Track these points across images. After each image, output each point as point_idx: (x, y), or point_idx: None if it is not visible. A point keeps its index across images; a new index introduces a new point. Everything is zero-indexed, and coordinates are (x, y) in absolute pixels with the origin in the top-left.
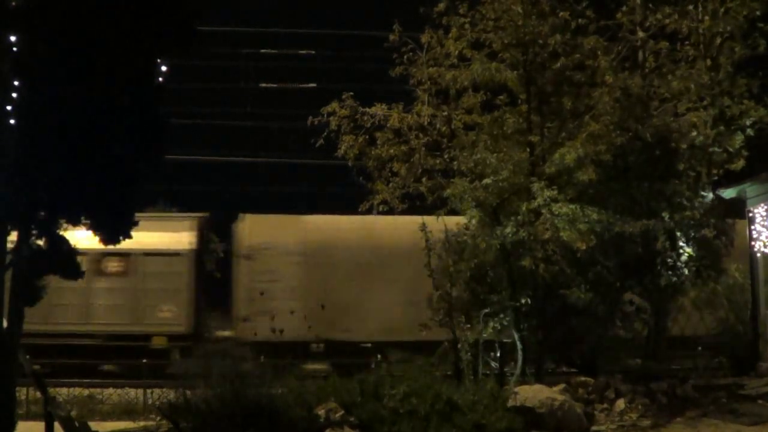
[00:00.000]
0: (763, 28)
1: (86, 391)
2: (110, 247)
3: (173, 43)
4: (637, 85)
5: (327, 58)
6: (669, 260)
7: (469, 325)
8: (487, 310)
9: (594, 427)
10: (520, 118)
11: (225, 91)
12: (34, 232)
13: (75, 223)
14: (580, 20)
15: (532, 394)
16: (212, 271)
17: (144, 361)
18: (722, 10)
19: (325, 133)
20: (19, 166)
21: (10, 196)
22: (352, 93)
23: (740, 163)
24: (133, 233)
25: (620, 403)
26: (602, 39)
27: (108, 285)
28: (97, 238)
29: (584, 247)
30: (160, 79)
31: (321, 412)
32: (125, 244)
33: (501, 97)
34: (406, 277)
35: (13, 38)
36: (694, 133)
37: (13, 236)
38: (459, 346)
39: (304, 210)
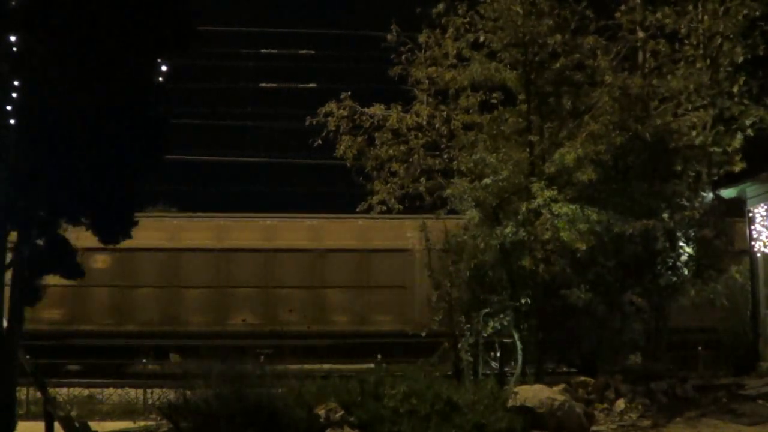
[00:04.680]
0: (762, 28)
1: (86, 391)
2: None
3: (173, 43)
4: (637, 84)
5: (327, 58)
6: (669, 260)
7: (469, 325)
8: (487, 310)
9: (594, 427)
10: (519, 117)
11: (225, 91)
12: (34, 232)
13: (75, 223)
14: (578, 18)
15: (532, 394)
16: None
17: (144, 360)
18: (722, 10)
19: (324, 134)
20: (20, 166)
21: (10, 195)
22: (350, 93)
23: (738, 165)
24: None
25: (620, 403)
26: (602, 39)
27: None
28: None
29: (584, 248)
30: (160, 79)
31: (321, 412)
32: None
33: (495, 94)
34: None
35: (13, 38)
36: (694, 133)
37: (13, 236)
38: (459, 346)
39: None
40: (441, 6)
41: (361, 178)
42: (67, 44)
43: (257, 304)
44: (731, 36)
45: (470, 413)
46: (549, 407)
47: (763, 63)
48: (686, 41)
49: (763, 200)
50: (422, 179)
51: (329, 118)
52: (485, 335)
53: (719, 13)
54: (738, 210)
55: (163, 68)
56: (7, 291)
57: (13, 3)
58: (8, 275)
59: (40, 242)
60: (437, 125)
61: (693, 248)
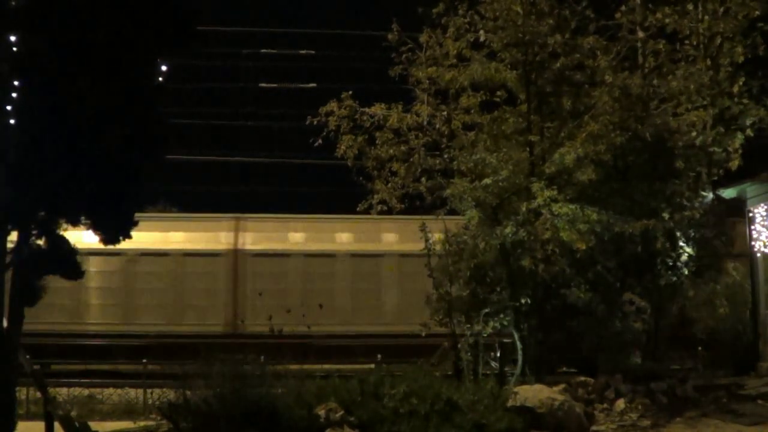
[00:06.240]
0: (763, 28)
1: (86, 391)
2: None
3: (173, 43)
4: (637, 84)
5: (327, 58)
6: (669, 260)
7: (469, 325)
8: (487, 310)
9: (594, 427)
10: (519, 117)
11: (225, 91)
12: (34, 232)
13: (75, 223)
14: (578, 18)
15: (532, 394)
16: None
17: (144, 360)
18: (722, 10)
19: (324, 133)
20: (19, 165)
21: (10, 196)
22: (350, 93)
23: (736, 162)
24: None
25: (620, 403)
26: (602, 39)
27: None
28: None
29: (584, 248)
30: (160, 79)
31: (321, 412)
32: None
33: (499, 93)
34: None
35: (13, 38)
36: (694, 133)
37: (13, 236)
38: (459, 346)
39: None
40: (441, 6)
41: (361, 178)
42: (67, 44)
43: None
44: (731, 36)
45: (470, 413)
46: (549, 407)
47: (763, 63)
48: (686, 41)
49: (763, 200)
50: (423, 179)
51: (330, 118)
52: (485, 335)
53: (719, 13)
54: (738, 210)
55: (163, 68)
56: (7, 291)
57: (13, 3)
58: (8, 275)
59: (40, 242)
60: (438, 125)
61: (693, 248)
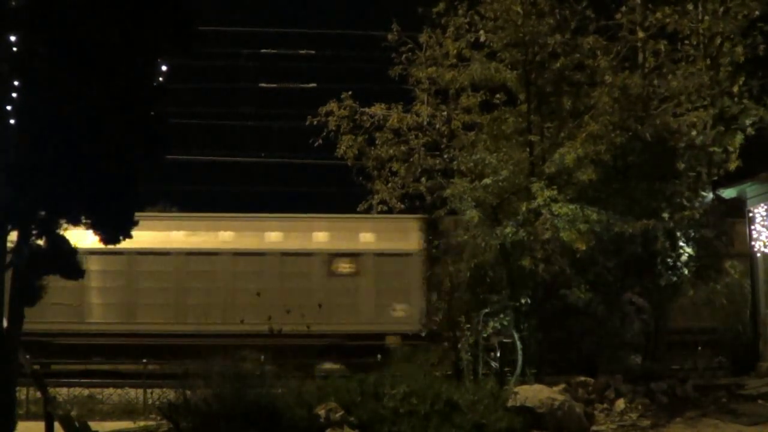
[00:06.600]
0: (763, 28)
1: (86, 391)
2: None
3: (173, 43)
4: (637, 84)
5: (327, 58)
6: (669, 260)
7: (469, 325)
8: (487, 310)
9: (594, 427)
10: (519, 118)
11: (225, 91)
12: (34, 232)
13: (75, 223)
14: (578, 18)
15: (532, 394)
16: None
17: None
18: (722, 10)
19: (324, 133)
20: (19, 165)
21: (10, 196)
22: (350, 93)
23: (735, 163)
24: None
25: (620, 403)
26: (602, 39)
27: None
28: None
29: (584, 247)
30: (160, 79)
31: (321, 412)
32: None
33: (498, 95)
34: None
35: (13, 38)
36: (694, 133)
37: (13, 236)
38: (459, 346)
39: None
40: (441, 6)
41: (361, 178)
42: (67, 44)
43: None
44: (731, 36)
45: (470, 413)
46: (549, 407)
47: (763, 63)
48: (686, 41)
49: (763, 200)
50: (423, 179)
51: (330, 118)
52: (485, 335)
53: (719, 13)
54: (738, 210)
55: (163, 68)
56: (7, 291)
57: (13, 3)
58: (8, 275)
59: (40, 242)
60: (438, 125)
61: (693, 248)
